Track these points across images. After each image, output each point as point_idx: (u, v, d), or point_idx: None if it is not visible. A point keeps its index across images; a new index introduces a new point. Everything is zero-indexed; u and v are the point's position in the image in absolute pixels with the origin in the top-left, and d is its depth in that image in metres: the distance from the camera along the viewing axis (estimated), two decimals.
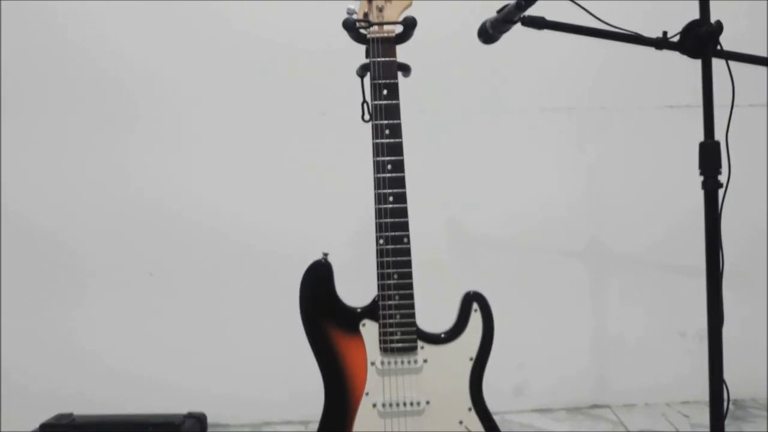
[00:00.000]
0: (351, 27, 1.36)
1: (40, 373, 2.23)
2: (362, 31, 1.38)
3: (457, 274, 2.24)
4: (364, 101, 1.42)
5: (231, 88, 2.23)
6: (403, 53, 1.40)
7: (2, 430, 2.18)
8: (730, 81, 1.34)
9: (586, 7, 1.33)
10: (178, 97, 2.22)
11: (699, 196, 1.32)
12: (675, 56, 1.32)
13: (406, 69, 1.44)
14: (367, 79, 1.40)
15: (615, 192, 2.32)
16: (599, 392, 2.35)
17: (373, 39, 1.37)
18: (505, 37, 1.42)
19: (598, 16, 1.34)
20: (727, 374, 1.28)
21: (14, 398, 2.21)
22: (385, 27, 1.37)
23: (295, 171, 2.25)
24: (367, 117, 1.42)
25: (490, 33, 1.43)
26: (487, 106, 2.26)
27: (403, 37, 1.39)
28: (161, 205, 2.24)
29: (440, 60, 2.14)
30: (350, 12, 1.39)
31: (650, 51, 1.33)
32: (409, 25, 1.36)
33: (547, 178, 2.29)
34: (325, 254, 1.39)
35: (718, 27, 1.37)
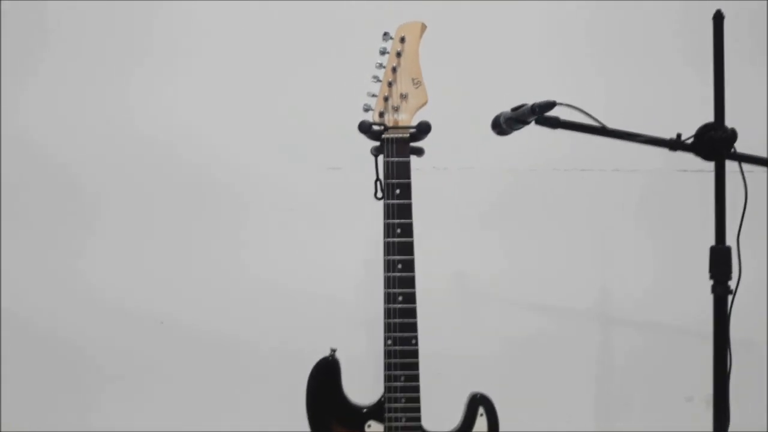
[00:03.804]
0: (367, 130, 1.37)
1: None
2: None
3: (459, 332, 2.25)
4: (378, 180, 1.44)
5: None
6: None
7: None
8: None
9: (597, 118, 1.33)
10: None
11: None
12: None
13: (419, 152, 1.45)
14: (380, 158, 1.43)
15: (623, 253, 2.31)
16: None
17: (387, 139, 1.39)
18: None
19: (607, 125, 1.34)
20: None
21: None
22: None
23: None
24: (380, 195, 1.44)
25: (503, 127, 1.44)
26: (496, 164, 2.27)
27: (416, 138, 1.40)
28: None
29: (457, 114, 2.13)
30: (366, 108, 1.41)
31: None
32: (423, 130, 1.37)
33: (552, 238, 2.29)
34: (333, 350, 1.40)
35: (733, 134, 1.37)
